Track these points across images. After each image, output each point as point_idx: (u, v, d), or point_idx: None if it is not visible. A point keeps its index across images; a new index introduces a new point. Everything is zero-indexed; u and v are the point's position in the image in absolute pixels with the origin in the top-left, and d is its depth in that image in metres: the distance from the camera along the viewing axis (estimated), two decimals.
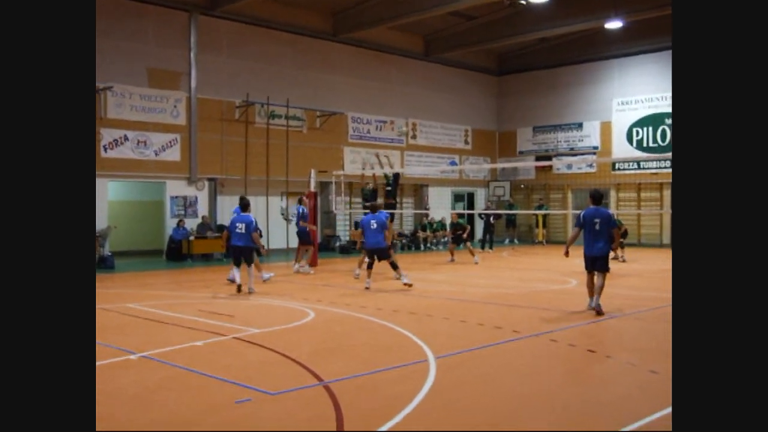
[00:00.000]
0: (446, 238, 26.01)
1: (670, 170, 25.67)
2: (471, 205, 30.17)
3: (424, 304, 11.34)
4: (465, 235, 19.97)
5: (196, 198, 21.50)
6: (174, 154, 20.88)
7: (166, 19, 20.74)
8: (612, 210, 23.42)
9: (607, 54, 27.82)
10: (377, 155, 23.53)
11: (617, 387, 6.31)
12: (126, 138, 19.71)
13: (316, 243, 18.41)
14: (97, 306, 10.11)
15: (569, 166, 28.84)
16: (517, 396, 5.97)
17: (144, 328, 9.36)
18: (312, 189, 19.23)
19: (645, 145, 26.88)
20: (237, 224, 12.99)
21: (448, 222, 27.23)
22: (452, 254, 20.12)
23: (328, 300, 11.89)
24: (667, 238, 26.11)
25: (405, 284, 13.19)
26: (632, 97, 27.33)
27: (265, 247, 15.48)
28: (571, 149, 29.10)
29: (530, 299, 12.07)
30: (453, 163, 29.39)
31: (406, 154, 27.55)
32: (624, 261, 18.91)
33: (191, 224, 21.00)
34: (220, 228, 19.96)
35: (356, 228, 23.85)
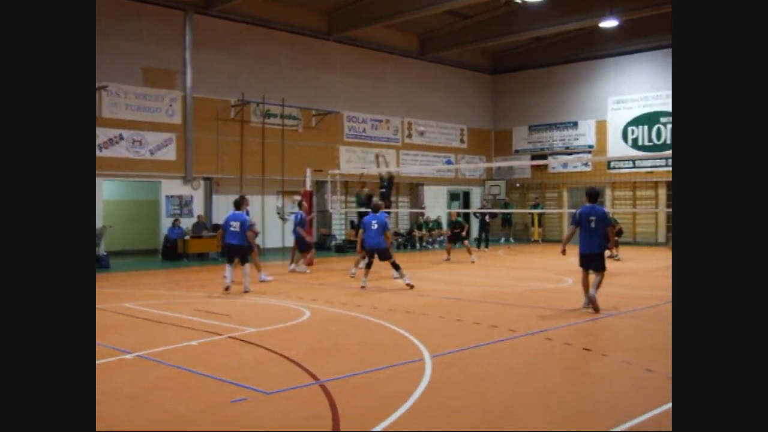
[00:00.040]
0: (442, 237, 26.05)
1: (666, 169, 25.79)
2: (467, 204, 30.19)
3: (419, 303, 11.35)
4: (464, 233, 20.01)
5: (192, 197, 21.47)
6: (169, 154, 20.85)
7: (162, 18, 20.70)
8: (607, 208, 23.46)
9: (602, 53, 27.85)
10: (377, 156, 23.56)
11: (613, 385, 6.32)
12: (121, 137, 19.68)
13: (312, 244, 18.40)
14: None
15: (565, 165, 28.87)
16: (512, 395, 5.98)
17: (139, 327, 9.35)
18: (308, 188, 19.22)
19: (640, 143, 26.94)
20: (231, 222, 12.97)
21: (444, 221, 27.31)
22: (449, 253, 20.13)
23: (323, 299, 11.89)
24: (662, 237, 26.19)
25: (407, 285, 13.16)
26: (627, 96, 27.37)
27: (261, 246, 15.43)
28: (567, 148, 29.14)
29: (526, 298, 12.08)
30: (449, 162, 29.41)
31: (402, 153, 27.56)
32: (618, 259, 18.93)
33: (187, 223, 20.99)
34: (216, 227, 19.94)
35: (352, 227, 23.90)
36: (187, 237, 20.47)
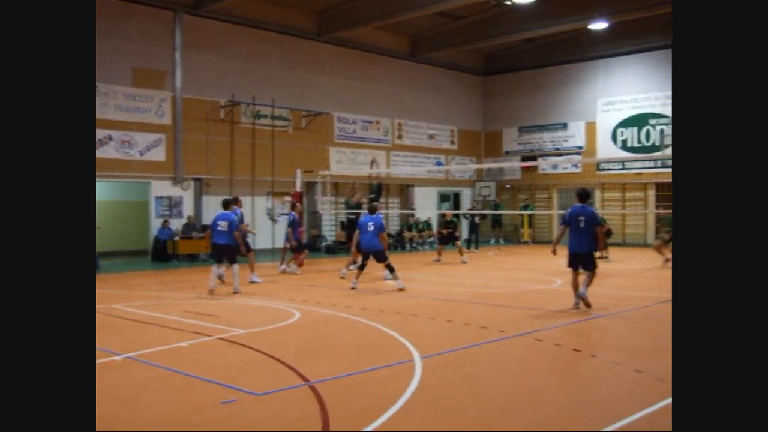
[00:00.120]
0: (432, 238, 26.06)
1: (655, 170, 25.91)
2: (457, 205, 30.22)
3: (410, 304, 11.35)
4: (457, 233, 20.05)
5: (182, 198, 21.39)
6: (159, 154, 20.76)
7: (151, 18, 20.62)
8: (597, 210, 23.55)
9: (592, 55, 27.95)
10: (372, 160, 23.64)
11: (603, 386, 6.34)
12: (110, 138, 19.58)
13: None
14: None
15: (554, 167, 28.96)
16: (503, 395, 5.98)
17: (129, 328, 9.30)
18: (298, 189, 19.18)
19: (629, 145, 27.05)
20: (219, 222, 12.96)
21: (434, 222, 27.31)
22: (440, 254, 20.13)
23: (314, 300, 11.87)
24: (651, 238, 26.29)
25: (399, 289, 13.14)
26: (617, 98, 27.48)
27: (251, 248, 15.39)
28: (557, 149, 29.22)
29: (516, 299, 12.10)
30: (439, 164, 29.43)
31: (392, 154, 27.57)
32: (608, 260, 18.98)
33: (176, 224, 20.91)
34: (205, 228, 19.89)
35: (342, 228, 23.89)
36: (176, 238, 20.40)
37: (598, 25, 23.82)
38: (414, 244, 26.41)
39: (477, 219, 25.22)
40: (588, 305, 10.40)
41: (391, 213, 27.09)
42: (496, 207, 29.01)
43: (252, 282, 14.28)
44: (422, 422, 5.15)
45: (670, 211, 19.34)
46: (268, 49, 23.43)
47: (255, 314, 10.63)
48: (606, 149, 27.54)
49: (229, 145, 22.28)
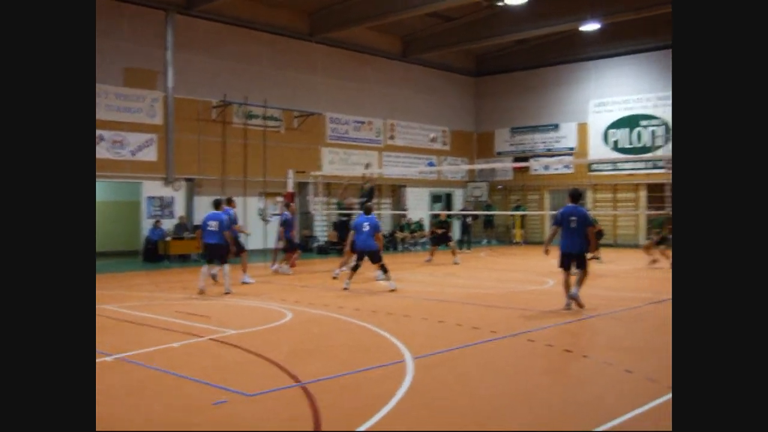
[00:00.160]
0: (424, 239, 26.06)
1: (646, 171, 26.01)
2: (449, 205, 30.26)
3: (402, 305, 11.35)
4: (450, 233, 20.08)
5: (173, 198, 21.34)
6: (150, 155, 20.71)
7: (143, 18, 20.56)
8: (588, 210, 23.62)
9: (583, 56, 28.04)
10: (366, 165, 23.65)
11: (594, 386, 6.36)
12: (102, 138, 19.50)
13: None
14: None
15: (546, 167, 29.04)
16: (495, 395, 5.99)
17: (120, 329, 9.26)
18: (290, 189, 19.16)
19: (620, 146, 27.15)
20: (209, 222, 12.96)
21: (426, 223, 27.32)
22: (432, 254, 20.11)
23: (306, 301, 11.86)
24: (642, 239, 26.37)
25: (391, 289, 13.14)
26: (608, 99, 27.58)
27: (244, 248, 15.37)
28: (548, 150, 29.30)
29: (508, 299, 12.12)
30: (431, 164, 29.45)
31: (384, 154, 27.57)
32: (600, 260, 19.03)
33: (168, 225, 20.85)
34: (197, 228, 19.85)
35: (334, 228, 23.89)
36: (168, 238, 20.34)
37: (590, 27, 23.87)
38: (406, 245, 26.41)
39: (469, 220, 25.26)
40: (581, 306, 10.47)
41: (383, 213, 27.09)
42: (488, 208, 29.07)
43: (244, 282, 14.26)
44: (415, 422, 5.15)
45: (661, 212, 19.42)
46: (260, 49, 23.40)
47: (247, 315, 10.61)
48: (597, 150, 27.64)
49: (221, 145, 22.24)
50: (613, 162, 27.17)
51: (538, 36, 26.66)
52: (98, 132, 19.38)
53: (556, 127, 29.10)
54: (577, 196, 10.96)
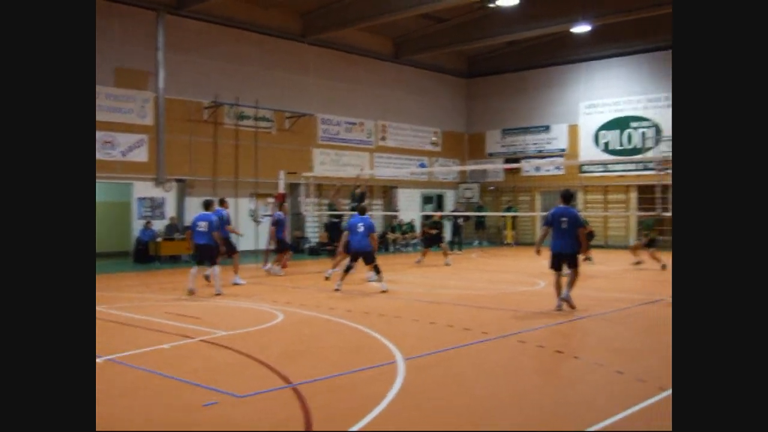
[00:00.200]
0: (416, 240, 26.05)
1: (636, 173, 26.11)
2: (440, 206, 30.27)
3: (393, 306, 11.35)
4: (443, 234, 20.09)
5: (164, 199, 21.27)
6: (141, 155, 20.64)
7: (134, 18, 20.49)
8: (579, 211, 23.70)
9: (574, 58, 28.12)
10: (361, 169, 23.67)
11: (585, 387, 6.37)
12: None
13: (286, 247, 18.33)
14: None
15: (537, 169, 29.11)
16: (486, 396, 6.00)
17: (110, 330, 9.22)
18: (281, 190, 19.13)
19: (611, 147, 27.25)
20: (198, 222, 12.95)
21: (417, 224, 27.31)
22: (424, 255, 20.09)
23: (297, 302, 11.84)
24: (633, 240, 26.45)
25: (382, 290, 13.13)
26: (599, 101, 27.68)
27: (236, 249, 15.33)
28: (540, 151, 29.37)
29: (499, 301, 12.14)
30: (422, 165, 29.47)
31: (376, 156, 27.57)
32: (591, 261, 19.07)
33: (159, 226, 20.78)
34: (187, 229, 19.80)
35: (325, 230, 23.83)
36: (159, 239, 20.28)
37: (581, 29, 23.95)
38: (397, 246, 26.41)
39: (460, 221, 25.27)
40: (572, 306, 10.51)
41: (374, 214, 27.06)
42: (480, 209, 29.12)
43: (235, 284, 14.22)
44: (406, 423, 5.15)
45: (651, 213, 19.48)
46: (251, 49, 23.36)
47: (238, 316, 10.59)
48: (588, 152, 27.72)
49: (212, 146, 22.18)
50: (604, 163, 27.26)
51: (529, 37, 26.73)
52: None
53: (547, 128, 29.17)
54: (568, 197, 11.00)
